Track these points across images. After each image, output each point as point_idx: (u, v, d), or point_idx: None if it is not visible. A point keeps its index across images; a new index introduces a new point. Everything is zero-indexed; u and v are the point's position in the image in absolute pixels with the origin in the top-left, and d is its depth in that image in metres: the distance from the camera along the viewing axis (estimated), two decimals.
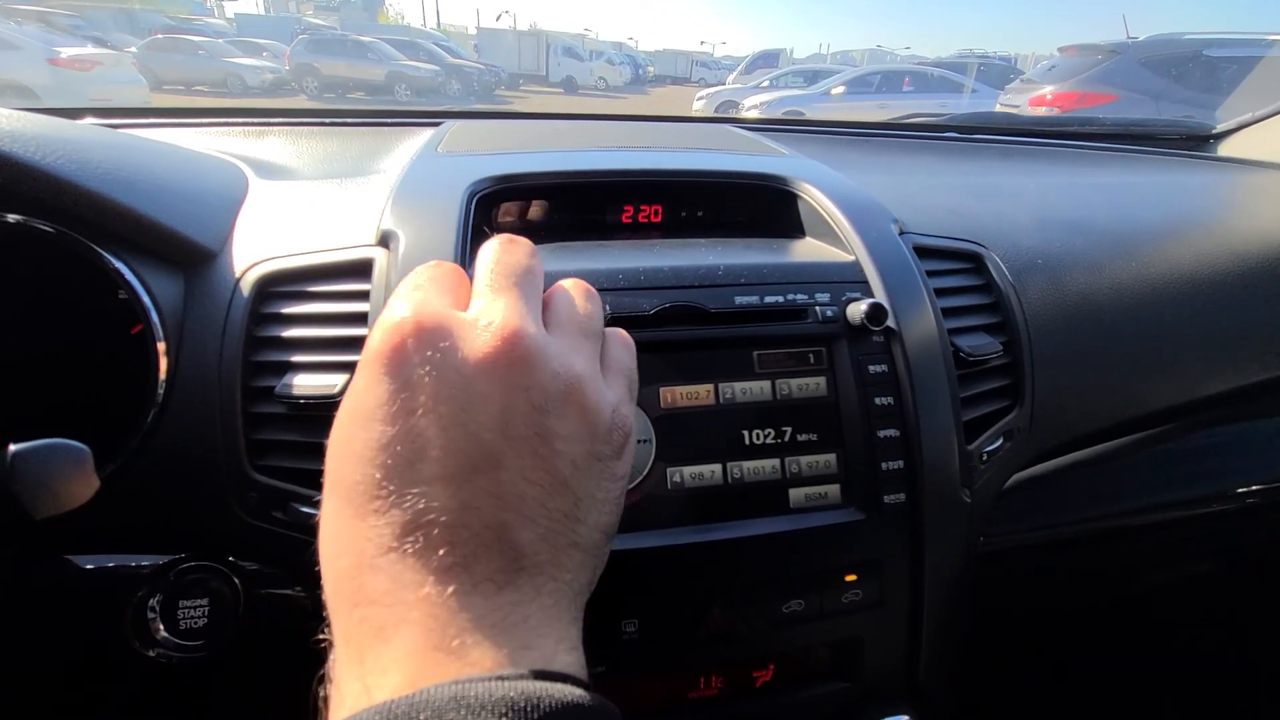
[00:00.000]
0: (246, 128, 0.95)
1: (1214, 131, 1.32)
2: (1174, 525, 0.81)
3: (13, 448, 0.34)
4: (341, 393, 0.52)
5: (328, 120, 1.02)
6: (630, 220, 0.74)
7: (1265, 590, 1.16)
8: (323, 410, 0.53)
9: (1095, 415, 0.72)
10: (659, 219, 0.75)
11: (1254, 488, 0.83)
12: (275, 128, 0.96)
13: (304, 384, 0.53)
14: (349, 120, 1.03)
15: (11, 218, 0.52)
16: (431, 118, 1.02)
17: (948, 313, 0.64)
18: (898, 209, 0.70)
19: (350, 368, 0.54)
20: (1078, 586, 0.84)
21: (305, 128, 0.98)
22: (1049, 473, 0.75)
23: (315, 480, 0.52)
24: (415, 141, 0.88)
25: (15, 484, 0.33)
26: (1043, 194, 0.90)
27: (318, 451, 0.53)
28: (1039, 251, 0.75)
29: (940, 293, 0.65)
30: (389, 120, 1.04)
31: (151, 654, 0.54)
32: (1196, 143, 1.30)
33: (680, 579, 0.52)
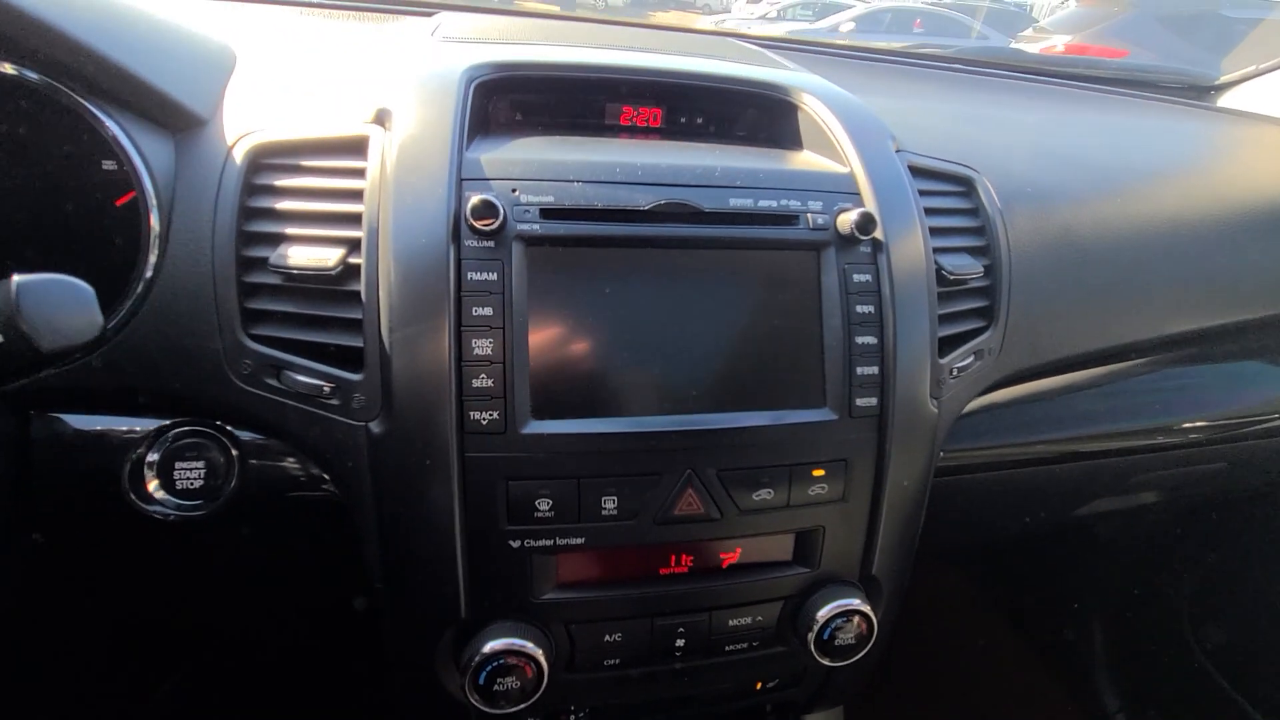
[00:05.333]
0: (234, 3, 0.91)
1: (1216, 83, 1.32)
2: (1122, 454, 0.86)
3: (17, 278, 0.35)
4: (336, 268, 0.53)
5: (316, 2, 0.98)
6: (628, 123, 0.73)
7: (1200, 525, 1.25)
8: (317, 283, 0.54)
9: (1064, 343, 0.75)
10: (657, 124, 0.74)
11: (1199, 424, 0.89)
12: (263, 5, 0.92)
13: (299, 256, 0.53)
14: (338, 4, 0.98)
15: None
16: (423, 7, 0.98)
17: (935, 231, 0.66)
18: (896, 128, 0.70)
19: (346, 243, 0.54)
20: (1027, 506, 0.90)
21: (294, 7, 0.94)
22: (1010, 400, 0.79)
23: (308, 350, 0.54)
24: (407, 27, 0.85)
25: (21, 314, 0.34)
26: (1040, 127, 0.91)
27: (311, 323, 0.55)
28: (1029, 180, 0.76)
29: (929, 212, 0.66)
30: (379, 6, 1.00)
31: (151, 510, 0.56)
32: (1198, 93, 1.30)
33: (659, 462, 0.55)
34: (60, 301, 0.36)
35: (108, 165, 0.62)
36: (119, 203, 0.62)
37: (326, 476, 0.59)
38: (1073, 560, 1.40)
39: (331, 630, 0.77)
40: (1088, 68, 1.38)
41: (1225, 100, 1.28)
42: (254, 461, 0.59)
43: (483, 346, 0.51)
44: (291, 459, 0.59)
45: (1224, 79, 1.32)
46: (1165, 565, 1.36)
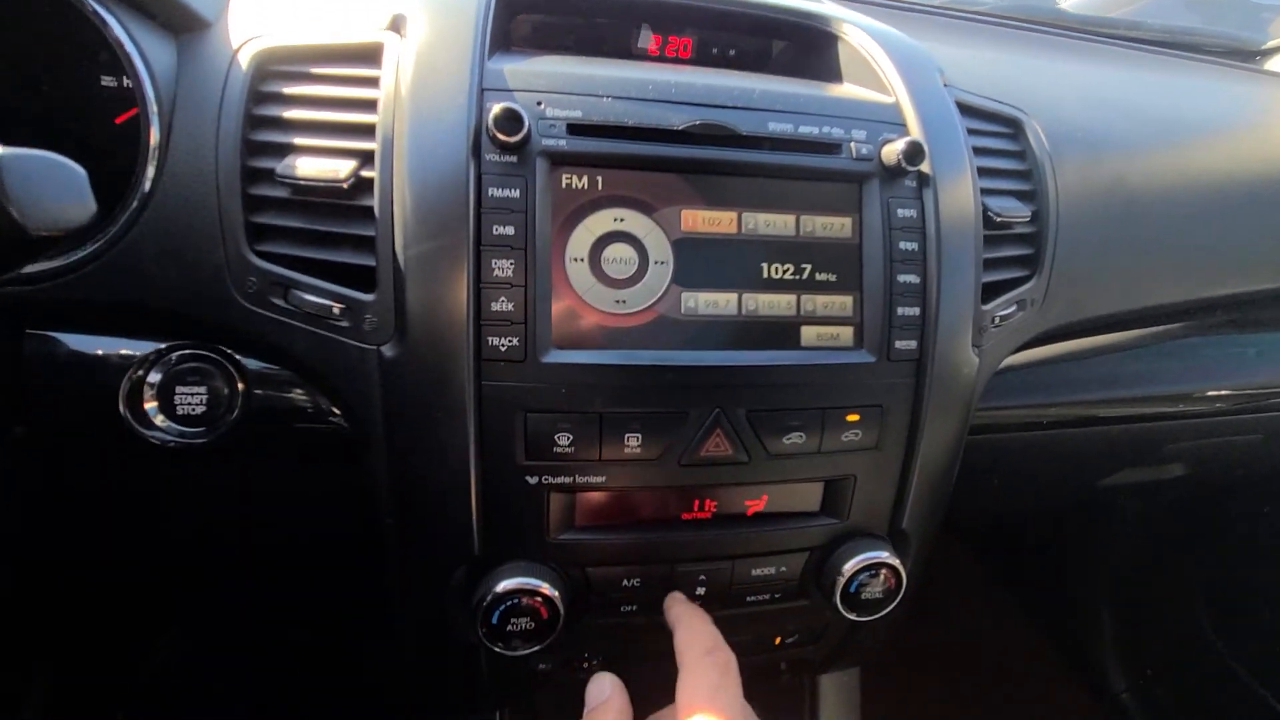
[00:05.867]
0: None
1: (1262, 47, 1.26)
2: (1155, 419, 0.82)
3: (1, 150, 0.32)
4: (347, 180, 0.50)
5: None
6: (658, 52, 0.69)
7: (1221, 505, 1.23)
8: (327, 197, 0.50)
9: (1107, 299, 0.72)
10: (688, 54, 0.70)
11: (1236, 391, 0.85)
12: None
13: (308, 167, 0.50)
14: None
15: None
16: None
17: (981, 173, 0.62)
18: (942, 65, 0.66)
19: (358, 155, 0.51)
20: (1054, 472, 0.87)
21: None
22: (1042, 359, 0.76)
23: (317, 269, 0.51)
24: None
25: (5, 190, 0.31)
26: (1089, 76, 0.86)
27: (322, 240, 0.51)
28: (1080, 127, 0.72)
29: (976, 152, 0.62)
30: None
31: (150, 435, 0.53)
32: (1244, 56, 1.24)
33: (686, 398, 0.52)
34: (49, 180, 0.33)
35: (106, 82, 0.59)
36: (119, 120, 0.59)
37: (336, 410, 0.56)
38: (1087, 537, 1.38)
39: (336, 570, 0.74)
40: (1129, 29, 1.32)
41: (1272, 65, 1.23)
42: (259, 391, 0.56)
43: (503, 268, 0.48)
44: (298, 390, 0.56)
45: (1270, 44, 1.26)
46: (1181, 544, 1.33)
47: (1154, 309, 0.77)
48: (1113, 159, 0.72)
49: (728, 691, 0.45)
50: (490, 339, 0.48)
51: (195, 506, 0.64)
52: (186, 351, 0.54)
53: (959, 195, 0.57)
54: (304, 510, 0.64)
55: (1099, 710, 1.41)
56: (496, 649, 0.53)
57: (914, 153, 0.54)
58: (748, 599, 0.60)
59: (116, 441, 0.54)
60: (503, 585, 0.51)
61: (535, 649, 0.53)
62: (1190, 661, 1.33)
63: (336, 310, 0.50)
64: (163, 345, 0.54)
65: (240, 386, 0.55)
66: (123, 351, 0.54)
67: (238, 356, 0.55)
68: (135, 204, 0.51)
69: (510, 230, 0.48)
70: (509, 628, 0.52)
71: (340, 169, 0.50)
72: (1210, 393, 0.86)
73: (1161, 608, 1.39)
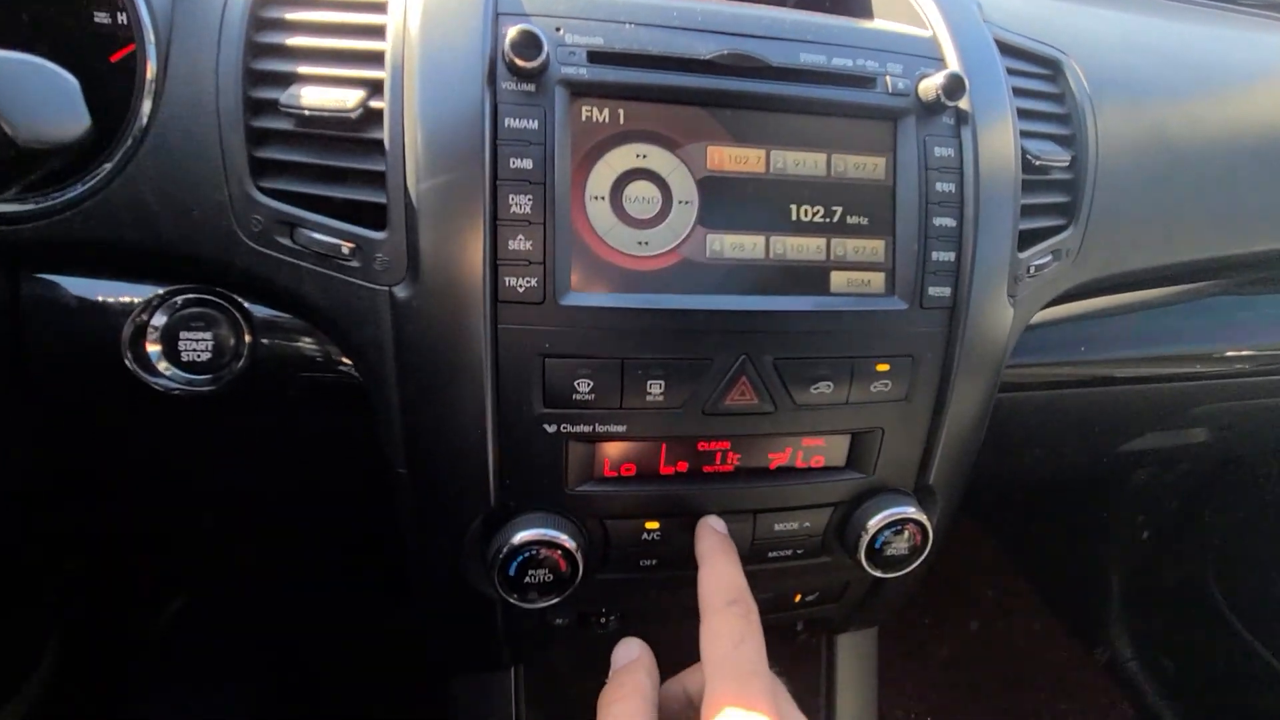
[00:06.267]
0: None
1: None
2: (1186, 379, 0.80)
3: None
4: (355, 110, 0.47)
5: None
6: None
7: (1236, 474, 1.21)
8: (334, 129, 0.48)
9: (1143, 251, 0.69)
10: None
11: (1252, 352, 0.83)
12: None
13: (313, 96, 0.47)
14: None
15: None
16: None
17: (1019, 114, 0.59)
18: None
19: (367, 84, 0.48)
20: (1078, 433, 0.85)
21: None
22: (1065, 317, 0.73)
23: (325, 206, 0.48)
24: None
25: None
26: (1130, 21, 0.82)
27: (329, 175, 0.49)
28: (1121, 70, 0.68)
29: (1014, 93, 0.59)
30: None
31: (155, 381, 0.52)
32: None
33: (711, 345, 0.50)
34: (37, 87, 0.30)
35: (100, 18, 0.55)
36: (114, 59, 0.56)
37: (346, 359, 0.54)
38: (1101, 504, 1.37)
39: (349, 523, 0.73)
40: None
41: None
42: (265, 340, 0.54)
43: (521, 204, 0.46)
44: (307, 337, 0.54)
45: None
46: (1195, 513, 1.32)
47: (1189, 264, 0.74)
48: (1154, 105, 0.69)
49: (750, 644, 0.43)
50: (507, 279, 0.46)
51: (202, 459, 0.62)
52: (191, 296, 0.52)
53: (999, 135, 0.55)
54: (315, 462, 0.63)
55: (1107, 678, 1.41)
56: (513, 601, 0.51)
57: (954, 87, 0.51)
58: (770, 555, 0.58)
59: (120, 389, 0.52)
60: (520, 537, 0.50)
61: (553, 601, 0.52)
62: (1199, 630, 1.32)
63: (346, 250, 0.48)
64: (166, 289, 0.52)
65: (247, 337, 0.53)
66: (125, 296, 0.52)
67: (244, 303, 0.53)
68: (131, 139, 0.48)
69: (528, 164, 0.46)
70: (526, 580, 0.50)
71: (348, 99, 0.47)
72: (1237, 353, 0.84)
73: (1172, 576, 1.38)
